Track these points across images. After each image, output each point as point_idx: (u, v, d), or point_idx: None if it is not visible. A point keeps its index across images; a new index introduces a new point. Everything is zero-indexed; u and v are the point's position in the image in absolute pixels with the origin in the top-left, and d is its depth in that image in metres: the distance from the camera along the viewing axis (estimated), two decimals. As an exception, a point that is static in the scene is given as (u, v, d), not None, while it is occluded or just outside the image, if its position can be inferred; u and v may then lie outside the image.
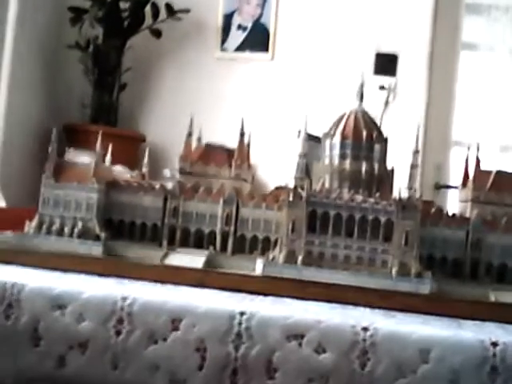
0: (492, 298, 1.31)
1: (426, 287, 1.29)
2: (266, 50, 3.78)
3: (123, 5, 3.59)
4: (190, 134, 1.51)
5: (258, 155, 3.25)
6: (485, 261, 1.37)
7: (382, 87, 3.62)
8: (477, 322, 1.21)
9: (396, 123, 3.53)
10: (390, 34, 3.66)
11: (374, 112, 3.66)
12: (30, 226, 1.45)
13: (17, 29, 3.21)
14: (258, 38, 3.80)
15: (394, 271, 1.31)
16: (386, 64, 3.65)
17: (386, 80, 3.63)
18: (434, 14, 3.68)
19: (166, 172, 3.12)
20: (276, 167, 2.97)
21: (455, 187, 3.60)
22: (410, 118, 3.55)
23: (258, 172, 3.44)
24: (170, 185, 1.52)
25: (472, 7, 3.97)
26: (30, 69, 3.42)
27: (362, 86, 1.51)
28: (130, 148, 3.45)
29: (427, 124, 3.68)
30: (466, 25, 3.96)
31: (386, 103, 3.64)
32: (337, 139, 1.45)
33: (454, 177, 3.78)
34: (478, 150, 1.47)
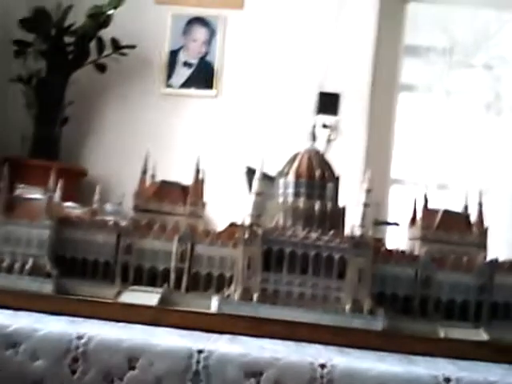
0: (441, 334, 1.34)
1: (378, 324, 1.32)
2: (211, 87, 3.81)
3: (68, 39, 3.58)
4: (144, 171, 1.51)
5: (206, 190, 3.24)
6: (434, 297, 1.40)
7: (324, 125, 3.69)
8: (428, 358, 1.24)
9: (339, 160, 3.59)
10: (332, 74, 3.74)
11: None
12: (-22, 263, 1.42)
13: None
14: (203, 75, 3.83)
15: (347, 308, 1.33)
16: (328, 103, 3.73)
17: (328, 118, 3.70)
18: (374, 55, 3.78)
19: (108, 206, 3.09)
20: (223, 203, 2.98)
21: (394, 224, 3.70)
22: (351, 156, 3.63)
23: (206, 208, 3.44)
24: (116, 219, 1.52)
25: (411, 49, 4.11)
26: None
27: (314, 126, 1.55)
28: (72, 182, 3.41)
29: (367, 162, 3.75)
30: (405, 66, 4.09)
31: (329, 141, 3.70)
32: (291, 178, 1.48)
33: (393, 214, 3.87)
34: (426, 188, 1.52)
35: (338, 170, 3.41)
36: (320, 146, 3.68)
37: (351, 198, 3.78)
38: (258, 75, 3.78)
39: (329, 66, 3.72)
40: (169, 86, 3.85)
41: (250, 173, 2.59)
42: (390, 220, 3.84)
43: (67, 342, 1.13)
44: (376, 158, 3.85)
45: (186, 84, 3.85)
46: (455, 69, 4.22)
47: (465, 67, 4.24)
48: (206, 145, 3.67)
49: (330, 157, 3.71)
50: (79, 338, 1.14)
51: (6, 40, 3.44)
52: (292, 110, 3.64)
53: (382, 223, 3.87)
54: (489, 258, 1.46)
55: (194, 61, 3.85)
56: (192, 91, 3.84)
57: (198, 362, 1.11)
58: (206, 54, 3.84)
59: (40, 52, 3.49)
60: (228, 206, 2.75)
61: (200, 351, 1.12)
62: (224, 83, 3.82)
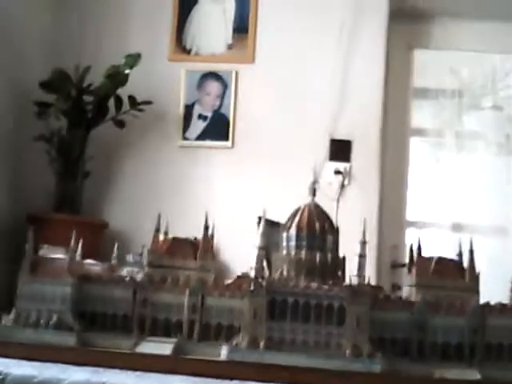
0: (437, 375, 1.43)
1: (377, 367, 1.41)
2: (226, 138, 3.92)
3: (87, 97, 3.71)
4: (157, 230, 1.64)
5: (222, 240, 3.36)
6: (430, 340, 1.50)
7: (337, 172, 3.78)
8: (424, 398, 1.33)
9: (353, 206, 3.69)
10: (343, 122, 3.84)
11: (331, 195, 3.80)
12: (7, 319, 1.54)
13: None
14: (218, 127, 3.94)
15: (347, 353, 1.43)
16: (340, 150, 3.82)
17: (341, 165, 3.79)
18: (383, 101, 3.87)
19: (129, 257, 3.21)
20: (239, 251, 3.07)
21: (410, 266, 3.76)
22: (366, 201, 3.71)
23: (223, 256, 3.56)
24: (135, 273, 1.63)
25: (420, 92, 4.21)
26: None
27: (314, 182, 1.66)
28: (94, 235, 3.52)
29: (382, 206, 3.83)
30: (415, 110, 4.19)
31: (342, 187, 3.79)
32: (293, 231, 1.60)
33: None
34: (419, 241, 1.62)
35: (352, 215, 3.51)
36: (333, 192, 3.79)
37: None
38: (271, 125, 3.88)
39: (339, 114, 3.83)
40: (185, 138, 3.97)
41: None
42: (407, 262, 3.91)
43: (89, 390, 1.25)
44: (390, 202, 3.94)
45: (201, 136, 3.96)
46: (465, 111, 4.30)
47: (474, 109, 4.32)
48: (223, 194, 3.79)
49: (345, 203, 3.80)
50: (100, 386, 1.25)
51: (28, 102, 3.59)
52: (305, 158, 3.73)
53: (398, 265, 3.94)
54: (481, 301, 1.55)
55: (209, 113, 3.98)
56: (207, 143, 3.95)
57: (207, 406, 1.21)
58: (220, 106, 3.97)
59: (61, 111, 3.62)
60: (244, 255, 2.84)
61: (209, 397, 1.22)
62: (238, 134, 3.92)
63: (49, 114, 3.60)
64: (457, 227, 4.05)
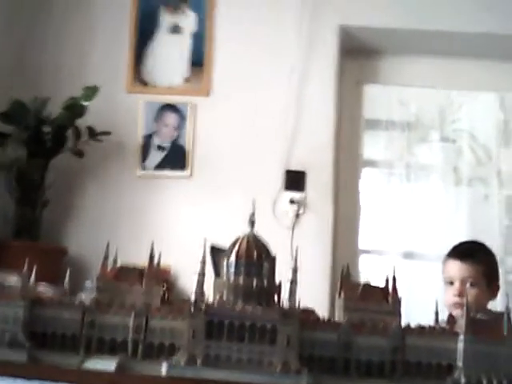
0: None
1: (303, 382, 1.56)
2: (184, 168, 4.05)
3: (46, 127, 3.79)
4: (106, 257, 1.77)
5: (178, 266, 3.48)
6: (354, 358, 1.65)
7: (292, 201, 3.93)
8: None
9: (307, 233, 3.84)
10: (298, 153, 4.00)
11: (287, 223, 3.92)
12: (-37, 339, 1.65)
13: None
14: (176, 157, 4.07)
15: (278, 369, 1.57)
16: (295, 180, 3.98)
17: (296, 195, 3.94)
18: (335, 134, 4.05)
19: (88, 283, 3.31)
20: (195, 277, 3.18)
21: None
22: (319, 229, 3.87)
23: (180, 282, 3.67)
24: (88, 299, 1.76)
25: (372, 124, 4.40)
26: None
27: (253, 214, 1.81)
28: (53, 260, 3.60)
29: (335, 234, 3.99)
30: (366, 141, 4.37)
31: (297, 216, 3.93)
32: (232, 259, 1.74)
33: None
34: (347, 268, 1.78)
35: (307, 242, 3.65)
36: (289, 220, 3.91)
37: (317, 269, 3.99)
38: (227, 156, 4.02)
39: (294, 146, 3.98)
40: (144, 168, 4.08)
41: (215, 251, 2.82)
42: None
43: (36, 403, 1.36)
44: (343, 231, 4.10)
45: (159, 166, 4.09)
46: (414, 143, 4.49)
47: (423, 142, 4.52)
48: (179, 223, 3.91)
49: (300, 231, 3.93)
50: (46, 399, 1.37)
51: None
52: (261, 188, 3.86)
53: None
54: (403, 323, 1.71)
55: (167, 144, 4.10)
56: (166, 172, 4.07)
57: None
58: (178, 137, 4.10)
59: (20, 141, 3.70)
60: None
61: (146, 408, 1.35)
62: (196, 164, 4.05)
63: (7, 144, 3.69)
64: (408, 255, 4.22)
